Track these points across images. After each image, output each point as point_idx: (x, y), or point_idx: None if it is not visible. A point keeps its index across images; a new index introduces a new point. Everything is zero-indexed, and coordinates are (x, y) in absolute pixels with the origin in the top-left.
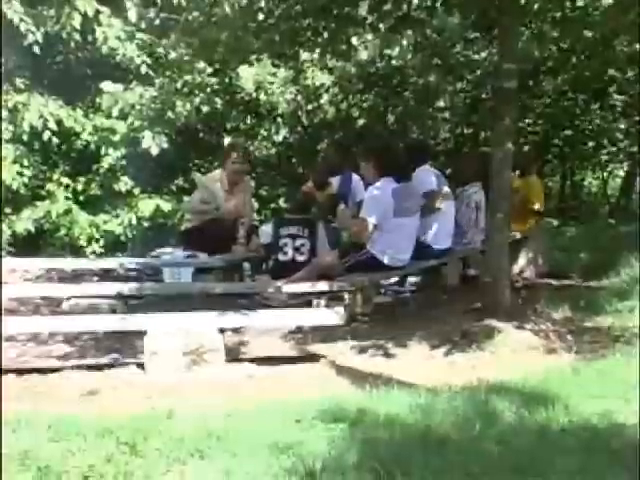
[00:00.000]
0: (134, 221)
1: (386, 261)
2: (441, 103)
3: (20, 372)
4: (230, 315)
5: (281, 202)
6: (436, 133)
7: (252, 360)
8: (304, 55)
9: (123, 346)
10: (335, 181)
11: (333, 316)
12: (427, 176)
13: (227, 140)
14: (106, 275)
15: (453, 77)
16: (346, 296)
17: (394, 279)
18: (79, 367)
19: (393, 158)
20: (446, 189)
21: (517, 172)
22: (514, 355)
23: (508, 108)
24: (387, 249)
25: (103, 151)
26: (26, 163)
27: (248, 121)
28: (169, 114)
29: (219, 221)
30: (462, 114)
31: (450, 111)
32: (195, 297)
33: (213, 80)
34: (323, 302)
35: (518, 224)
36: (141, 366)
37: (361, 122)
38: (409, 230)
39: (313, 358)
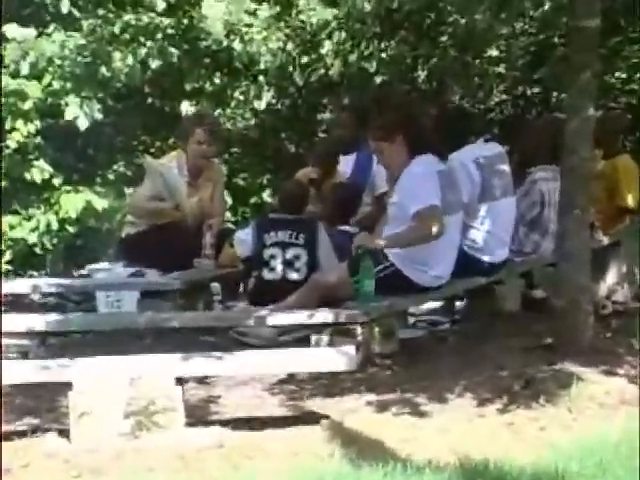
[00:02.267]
0: (54, 225)
1: (416, 279)
2: (493, 52)
3: None
4: (193, 359)
5: (265, 196)
6: (487, 95)
7: (224, 423)
8: None
9: (39, 405)
10: (345, 163)
11: (340, 359)
12: (458, 169)
13: (187, 108)
14: (15, 303)
15: (510, 14)
16: (359, 330)
17: (428, 305)
18: None
19: (426, 132)
20: (501, 181)
21: (601, 150)
22: (600, 412)
23: (589, 57)
24: (417, 262)
25: (8, 124)
26: None
27: (217, 81)
28: (103, 71)
29: (177, 224)
30: (523, 67)
31: (506, 63)
32: (142, 333)
33: (166, 22)
34: (326, 339)
35: (604, 225)
36: (65, 433)
37: (379, 80)
38: (451, 235)
39: (311, 419)
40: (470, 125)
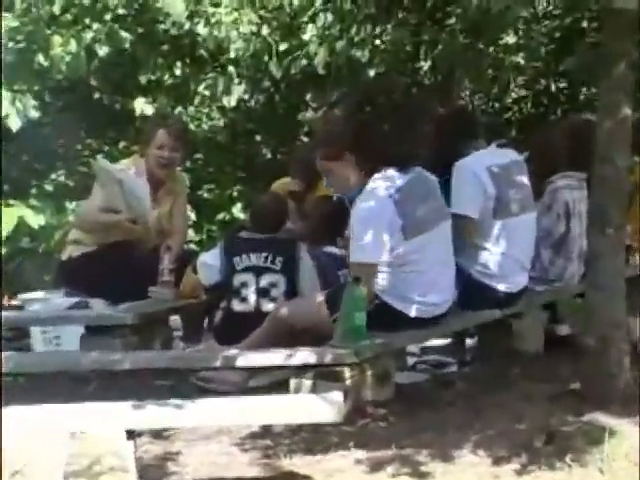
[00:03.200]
0: None
1: (407, 310)
2: (510, 38)
3: None
4: (147, 408)
5: (236, 211)
6: (503, 90)
7: None
8: None
9: None
10: None
11: (325, 408)
12: (468, 179)
13: (142, 106)
14: None
15: None
16: (347, 373)
17: (431, 343)
18: None
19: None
20: (519, 193)
21: None
22: (638, 473)
23: (625, 45)
24: (404, 290)
25: None
26: None
27: (177, 72)
28: (40, 60)
29: (129, 244)
30: (546, 57)
31: (526, 52)
32: (86, 377)
33: (116, 0)
34: (308, 383)
35: None
36: None
37: (373, 72)
38: (438, 251)
39: None
40: (478, 127)
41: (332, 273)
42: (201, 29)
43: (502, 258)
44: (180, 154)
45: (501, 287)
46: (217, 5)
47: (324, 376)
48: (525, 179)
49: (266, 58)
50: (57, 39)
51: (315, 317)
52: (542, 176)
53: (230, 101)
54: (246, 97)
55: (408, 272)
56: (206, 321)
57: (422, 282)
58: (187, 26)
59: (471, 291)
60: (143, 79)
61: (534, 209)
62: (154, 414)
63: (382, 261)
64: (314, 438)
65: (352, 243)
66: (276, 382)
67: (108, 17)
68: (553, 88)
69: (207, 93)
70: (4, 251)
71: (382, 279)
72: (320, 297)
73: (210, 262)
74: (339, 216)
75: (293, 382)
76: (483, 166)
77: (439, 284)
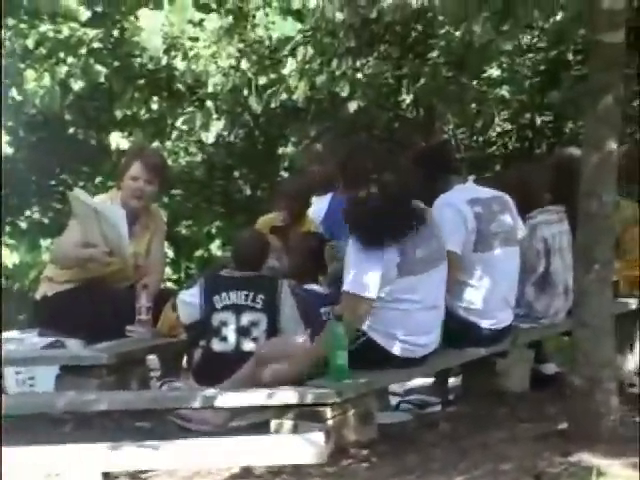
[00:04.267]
0: None
1: (394, 350)
2: (494, 71)
3: None
4: (124, 450)
5: (214, 247)
6: (486, 124)
7: None
8: None
9: None
10: (317, 206)
11: (307, 448)
12: (450, 213)
13: (118, 141)
14: None
15: (514, 24)
16: (329, 413)
17: (414, 382)
18: None
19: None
20: (501, 227)
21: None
22: None
23: (611, 78)
24: (393, 328)
25: None
26: None
27: (154, 106)
28: (14, 95)
29: (104, 282)
30: (531, 90)
31: (510, 85)
32: (62, 418)
33: (92, 33)
34: (289, 424)
35: (632, 282)
36: None
37: (354, 106)
38: (432, 294)
39: None
40: (458, 162)
41: (314, 311)
42: (179, 63)
43: (485, 293)
44: (155, 187)
45: (485, 324)
46: (195, 39)
47: (305, 416)
48: (508, 214)
49: (245, 92)
50: (31, 73)
51: (304, 353)
52: (521, 211)
53: (208, 137)
54: (225, 132)
55: (396, 310)
56: (185, 360)
57: (409, 322)
58: (164, 60)
59: (455, 328)
60: (119, 113)
61: (516, 244)
62: (131, 456)
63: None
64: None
65: (347, 273)
66: (257, 423)
67: (83, 51)
68: (538, 122)
69: (185, 128)
70: None
71: (374, 314)
72: (303, 336)
73: (190, 300)
74: (321, 252)
75: (274, 422)
76: (464, 200)
77: (426, 326)
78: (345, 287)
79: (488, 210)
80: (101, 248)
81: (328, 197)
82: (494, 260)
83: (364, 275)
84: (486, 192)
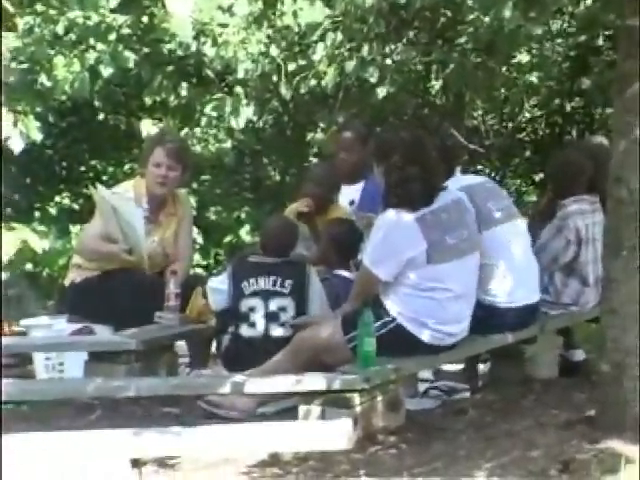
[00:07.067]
0: None
1: (424, 337)
2: (524, 57)
3: None
4: (152, 435)
5: (243, 233)
6: (515, 110)
7: None
8: None
9: None
10: (349, 194)
11: (334, 435)
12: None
13: (148, 127)
14: None
15: (542, 11)
16: (357, 399)
17: (443, 368)
18: None
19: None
20: (498, 204)
21: None
22: None
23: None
24: (424, 316)
25: None
26: None
27: (184, 93)
28: (42, 80)
29: (133, 270)
30: (561, 76)
31: (540, 71)
32: (90, 404)
33: (121, 20)
34: (317, 410)
35: None
36: None
37: (383, 92)
38: (464, 282)
39: None
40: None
41: (343, 297)
42: (208, 49)
43: (500, 270)
44: (178, 173)
45: (512, 308)
46: (224, 25)
47: (333, 403)
48: (501, 191)
49: (275, 78)
50: (60, 60)
51: (333, 342)
52: (554, 199)
53: (238, 122)
54: (254, 118)
55: (428, 298)
56: (214, 346)
57: (441, 311)
58: (193, 46)
59: (480, 314)
60: (148, 100)
61: (518, 216)
62: (159, 442)
63: (402, 282)
64: (323, 466)
65: (370, 245)
66: (285, 409)
67: (112, 37)
68: (568, 108)
69: (214, 114)
70: (7, 275)
71: (404, 301)
72: (337, 322)
73: (219, 287)
74: (351, 239)
75: (302, 409)
76: (456, 187)
77: (458, 315)
78: (363, 257)
79: (482, 190)
80: (121, 245)
81: (360, 184)
82: (501, 237)
83: (383, 253)
84: (472, 178)
